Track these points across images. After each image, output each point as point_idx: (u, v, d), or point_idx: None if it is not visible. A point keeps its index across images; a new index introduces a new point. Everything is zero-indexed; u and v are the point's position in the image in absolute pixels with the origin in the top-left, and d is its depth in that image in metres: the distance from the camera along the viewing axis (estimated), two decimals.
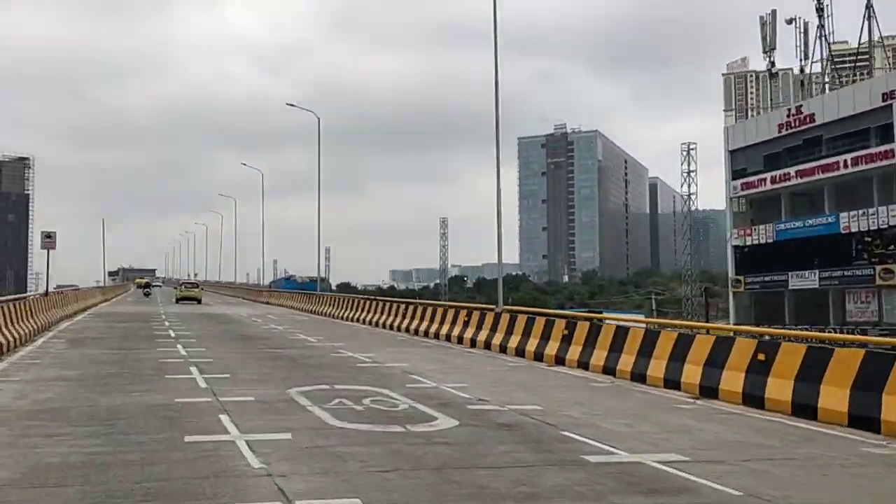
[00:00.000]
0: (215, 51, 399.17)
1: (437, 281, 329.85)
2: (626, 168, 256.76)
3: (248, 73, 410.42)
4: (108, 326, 27.72)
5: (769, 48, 56.84)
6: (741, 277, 51.01)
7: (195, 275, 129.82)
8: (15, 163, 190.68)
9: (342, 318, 35.25)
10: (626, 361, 14.58)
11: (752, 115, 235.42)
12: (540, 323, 18.18)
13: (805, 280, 46.03)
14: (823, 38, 52.54)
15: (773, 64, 57.52)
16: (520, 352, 18.32)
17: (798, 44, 54.97)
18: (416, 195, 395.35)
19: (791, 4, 58.88)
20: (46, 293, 26.62)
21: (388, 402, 11.08)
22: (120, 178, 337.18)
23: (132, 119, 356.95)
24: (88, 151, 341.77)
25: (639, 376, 14.05)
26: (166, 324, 29.50)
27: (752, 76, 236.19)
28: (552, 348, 17.11)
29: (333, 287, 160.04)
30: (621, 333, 15.20)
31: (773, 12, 55.74)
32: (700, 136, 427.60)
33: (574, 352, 16.31)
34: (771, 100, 68.27)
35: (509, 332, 19.37)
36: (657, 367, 13.72)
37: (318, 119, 48.24)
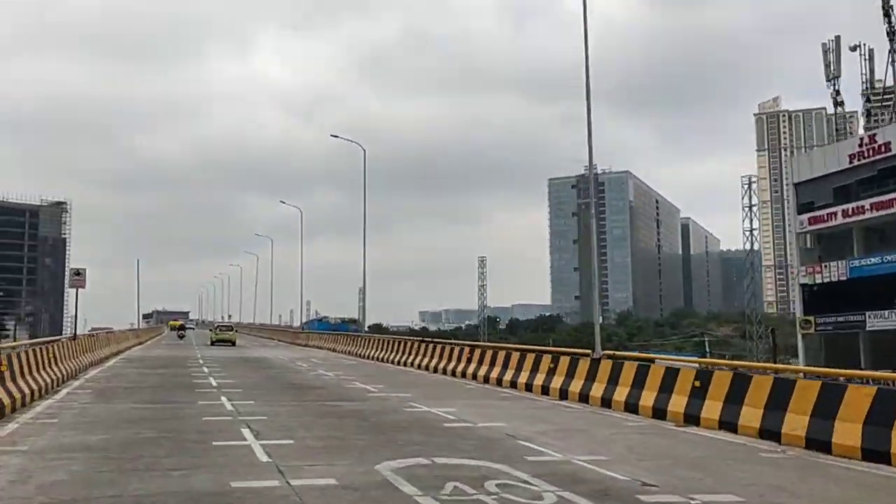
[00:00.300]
0: (246, 97, 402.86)
1: (468, 322, 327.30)
2: (657, 208, 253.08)
3: (277, 118, 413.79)
4: (141, 374, 24.78)
5: (833, 76, 53.48)
6: (811, 318, 47.22)
7: (229, 316, 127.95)
8: (52, 207, 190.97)
9: (391, 361, 32.18)
10: (796, 423, 11.27)
11: (787, 155, 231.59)
12: (657, 373, 14.89)
13: (886, 321, 42.20)
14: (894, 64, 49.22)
15: (838, 92, 54.13)
16: (631, 407, 15.03)
17: (864, 71, 51.74)
18: (443, 236, 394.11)
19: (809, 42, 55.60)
20: (74, 336, 23.77)
21: (523, 490, 7.91)
22: (154, 223, 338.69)
23: (165, 165, 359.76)
24: (122, 197, 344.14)
25: (819, 443, 10.75)
26: (205, 370, 26.57)
27: (784, 116, 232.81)
28: (678, 404, 13.83)
29: (366, 328, 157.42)
30: (784, 387, 11.89)
31: (837, 38, 52.47)
32: (732, 177, 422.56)
33: (712, 409, 13.01)
34: (837, 130, 64.76)
35: (612, 381, 16.08)
36: (848, 433, 10.40)
37: (364, 151, 45.97)
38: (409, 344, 32.09)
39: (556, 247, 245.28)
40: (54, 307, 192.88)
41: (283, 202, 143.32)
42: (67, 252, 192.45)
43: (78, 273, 24.86)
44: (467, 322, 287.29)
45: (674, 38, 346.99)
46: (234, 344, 51.44)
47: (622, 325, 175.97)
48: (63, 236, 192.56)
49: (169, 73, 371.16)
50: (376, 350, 35.94)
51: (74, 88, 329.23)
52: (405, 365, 30.11)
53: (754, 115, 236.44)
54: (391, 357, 32.63)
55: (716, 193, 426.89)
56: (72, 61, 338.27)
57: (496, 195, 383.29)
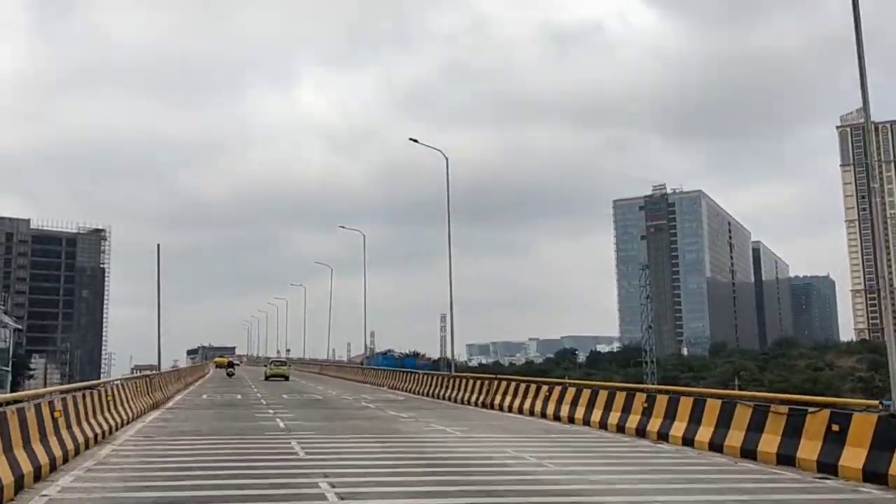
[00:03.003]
0: (288, 133, 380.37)
1: (519, 355, 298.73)
2: (730, 231, 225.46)
3: (320, 154, 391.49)
4: None
5: None
6: None
7: (287, 351, 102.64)
8: (90, 235, 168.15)
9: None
10: None
11: (878, 167, 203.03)
12: None
13: None
14: None
15: None
16: None
17: None
18: (487, 267, 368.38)
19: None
20: None
21: None
22: (198, 260, 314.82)
23: (209, 202, 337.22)
24: (167, 234, 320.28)
25: None
26: None
27: (871, 127, 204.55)
28: None
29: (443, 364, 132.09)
30: None
31: None
32: (795, 199, 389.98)
33: None
34: None
35: None
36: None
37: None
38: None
39: (623, 273, 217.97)
40: (92, 342, 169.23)
41: (343, 227, 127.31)
42: (106, 283, 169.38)
43: None
44: (521, 355, 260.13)
45: (720, 63, 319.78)
46: (287, 378, 49.71)
47: (717, 357, 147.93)
48: (102, 266, 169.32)
49: (212, 110, 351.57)
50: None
51: (119, 126, 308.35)
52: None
53: (837, 127, 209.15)
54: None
55: (780, 216, 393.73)
56: (116, 99, 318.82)
57: (541, 225, 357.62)
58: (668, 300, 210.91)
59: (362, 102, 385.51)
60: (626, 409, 15.50)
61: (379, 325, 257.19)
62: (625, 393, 16.02)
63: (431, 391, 29.50)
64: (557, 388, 19.45)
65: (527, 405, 20.67)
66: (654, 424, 14.36)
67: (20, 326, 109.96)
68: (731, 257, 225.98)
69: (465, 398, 25.43)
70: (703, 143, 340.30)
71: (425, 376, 32.40)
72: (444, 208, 31.66)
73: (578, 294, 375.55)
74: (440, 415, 20.58)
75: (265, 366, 61.96)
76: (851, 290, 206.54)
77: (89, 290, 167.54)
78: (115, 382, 17.52)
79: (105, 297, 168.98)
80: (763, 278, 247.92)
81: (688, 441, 13.25)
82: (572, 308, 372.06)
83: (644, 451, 12.63)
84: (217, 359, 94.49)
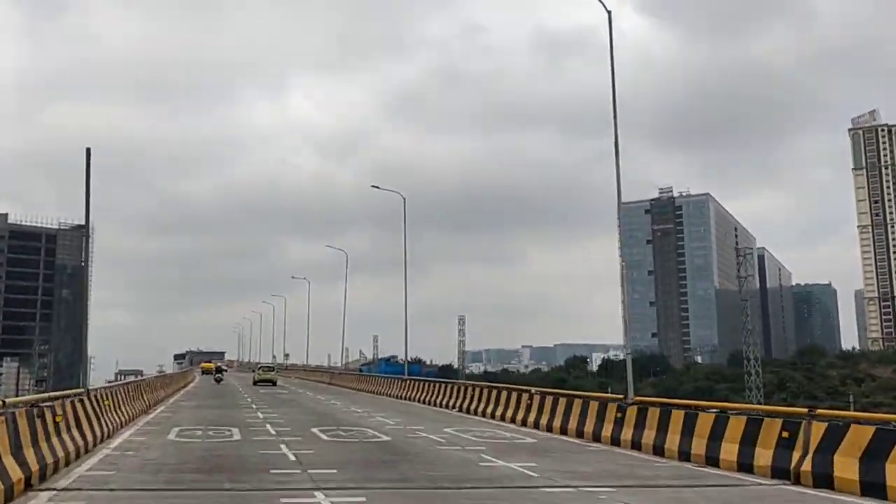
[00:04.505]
0: (279, 139, 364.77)
1: (514, 363, 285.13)
2: (736, 236, 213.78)
3: (311, 160, 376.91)
4: None
5: None
6: None
7: (286, 356, 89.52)
8: (72, 231, 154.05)
9: None
10: None
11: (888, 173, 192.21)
12: None
13: None
14: None
15: None
16: None
17: None
18: (478, 275, 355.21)
19: None
20: None
21: None
22: (188, 265, 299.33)
23: (198, 206, 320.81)
24: (156, 239, 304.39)
25: None
26: None
27: (883, 130, 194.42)
28: None
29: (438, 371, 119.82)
30: None
31: None
32: (794, 207, 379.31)
33: None
34: None
35: None
36: None
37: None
38: None
39: (627, 279, 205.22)
40: (72, 345, 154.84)
41: (329, 246, 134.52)
42: (90, 280, 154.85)
43: None
44: (532, 363, 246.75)
45: (714, 72, 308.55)
46: (275, 384, 48.70)
47: (735, 367, 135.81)
48: (83, 264, 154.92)
49: (202, 116, 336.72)
50: None
51: (109, 131, 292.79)
52: None
53: (849, 130, 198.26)
54: None
55: (776, 225, 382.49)
56: (104, 102, 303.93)
57: (529, 232, 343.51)
58: (675, 306, 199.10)
59: (353, 108, 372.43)
60: None
61: (376, 330, 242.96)
62: None
63: (576, 427, 16.58)
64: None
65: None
66: None
67: None
68: (738, 263, 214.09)
69: (705, 452, 12.50)
70: (699, 153, 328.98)
71: (541, 398, 19.53)
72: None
73: (570, 302, 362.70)
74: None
75: (253, 371, 61.43)
76: (865, 298, 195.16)
77: (70, 290, 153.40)
78: None
79: (87, 297, 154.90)
80: (769, 286, 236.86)
81: None
82: (564, 316, 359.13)
83: None
84: (203, 364, 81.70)
